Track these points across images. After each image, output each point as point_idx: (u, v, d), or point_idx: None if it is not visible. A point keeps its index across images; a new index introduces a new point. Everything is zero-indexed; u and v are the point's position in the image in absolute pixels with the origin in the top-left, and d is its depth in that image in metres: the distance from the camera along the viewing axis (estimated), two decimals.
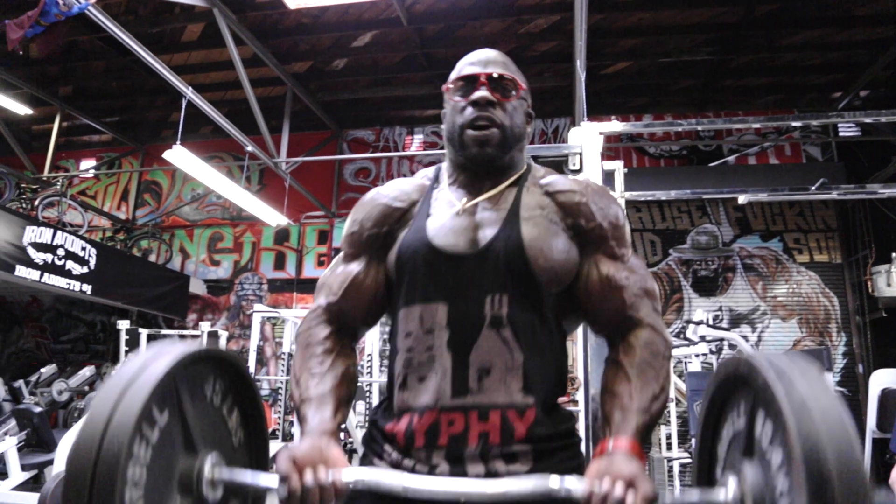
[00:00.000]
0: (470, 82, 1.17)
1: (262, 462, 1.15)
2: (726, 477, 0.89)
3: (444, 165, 1.28)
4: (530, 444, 1.06)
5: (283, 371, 8.34)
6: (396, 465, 1.10)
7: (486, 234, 1.13)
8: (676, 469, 6.74)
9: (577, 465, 1.12)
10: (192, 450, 0.96)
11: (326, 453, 0.99)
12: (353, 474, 0.96)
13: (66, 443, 4.10)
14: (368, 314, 1.22)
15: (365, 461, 1.17)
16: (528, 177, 1.23)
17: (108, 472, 0.79)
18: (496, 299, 1.08)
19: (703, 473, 1.02)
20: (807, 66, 7.85)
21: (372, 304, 1.20)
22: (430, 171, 1.30)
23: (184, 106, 5.99)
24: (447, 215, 1.16)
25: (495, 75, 1.17)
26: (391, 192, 1.24)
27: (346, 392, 1.14)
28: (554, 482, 0.90)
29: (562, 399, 1.17)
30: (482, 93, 1.15)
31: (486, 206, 1.17)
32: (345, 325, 1.21)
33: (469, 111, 1.16)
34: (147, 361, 0.90)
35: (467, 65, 1.20)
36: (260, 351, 8.14)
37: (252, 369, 6.41)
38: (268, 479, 0.97)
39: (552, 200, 1.18)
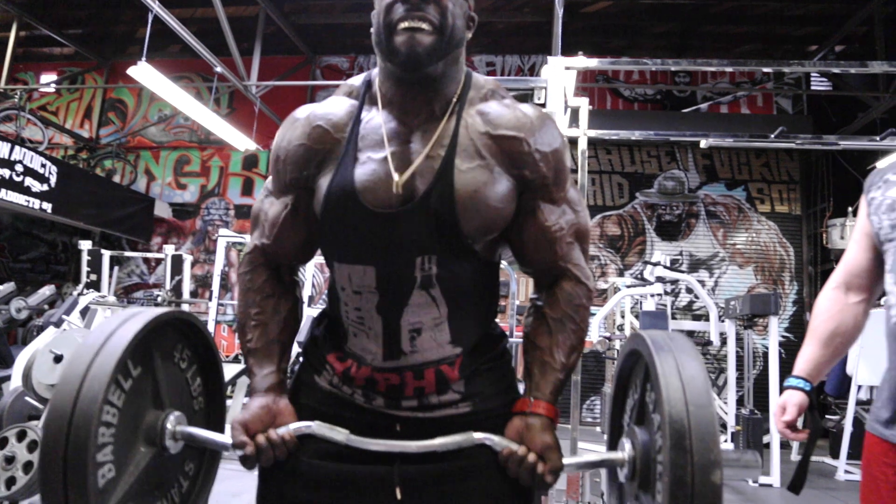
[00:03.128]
0: None
1: (219, 424, 1.22)
2: (623, 442, 1.03)
3: (375, 73, 1.14)
4: (462, 378, 1.11)
5: None
6: (336, 388, 1.13)
7: (418, 187, 1.03)
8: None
9: (506, 387, 1.17)
10: (159, 405, 1.05)
11: (274, 410, 1.08)
12: (300, 428, 1.06)
13: (23, 358, 4.12)
14: (302, 251, 1.19)
15: (304, 373, 1.19)
16: (467, 96, 1.10)
17: (88, 406, 0.88)
18: (426, 260, 1.03)
19: (613, 440, 1.16)
20: (785, 16, 7.83)
21: (304, 244, 1.17)
22: (358, 81, 1.16)
23: (150, 20, 5.76)
24: (376, 158, 1.05)
25: None
26: (314, 130, 1.10)
27: (289, 335, 1.18)
28: (479, 438, 1.05)
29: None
30: None
31: (420, 145, 1.06)
32: (281, 264, 1.21)
33: (398, 9, 1.01)
34: (126, 318, 0.99)
35: None
36: (225, 276, 8.16)
37: (216, 294, 6.44)
38: (225, 439, 1.06)
39: (496, 145, 1.07)
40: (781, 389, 1.53)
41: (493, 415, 1.11)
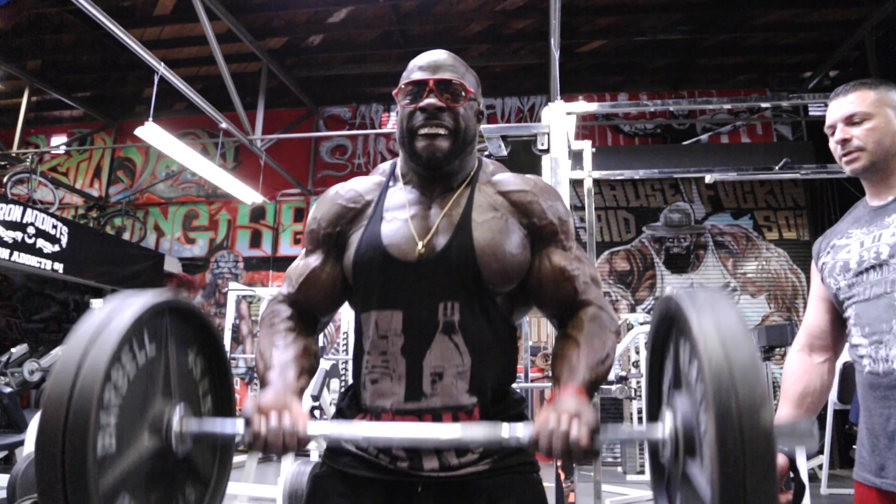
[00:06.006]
0: (419, 87, 1.18)
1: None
2: (664, 412, 0.94)
3: (399, 161, 1.29)
4: None
5: None
6: (362, 450, 1.16)
7: (439, 240, 1.15)
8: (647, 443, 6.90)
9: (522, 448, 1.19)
10: (168, 396, 1.01)
11: (290, 405, 1.03)
12: (315, 428, 1.01)
13: (37, 423, 4.10)
14: (326, 305, 1.26)
15: (333, 443, 1.23)
16: (478, 175, 1.25)
17: (100, 355, 0.85)
18: (448, 306, 1.12)
19: (653, 412, 1.08)
20: (779, 45, 7.94)
21: (329, 296, 1.24)
22: (387, 166, 1.32)
23: (156, 82, 5.90)
24: (400, 219, 1.19)
25: (444, 81, 1.17)
26: (347, 192, 1.27)
27: (308, 363, 1.18)
28: (504, 430, 0.96)
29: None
30: (430, 99, 1.16)
31: (439, 209, 1.20)
32: (305, 313, 1.26)
33: (418, 117, 1.17)
34: (150, 292, 0.97)
35: (416, 69, 1.20)
36: (236, 329, 8.16)
37: (227, 347, 6.43)
38: (233, 425, 1.01)
39: (505, 199, 1.21)
40: None
41: (513, 471, 1.15)
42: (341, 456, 1.18)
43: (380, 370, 1.14)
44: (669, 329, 0.99)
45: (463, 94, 1.19)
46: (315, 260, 1.24)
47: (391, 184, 1.27)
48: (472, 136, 1.23)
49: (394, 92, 1.22)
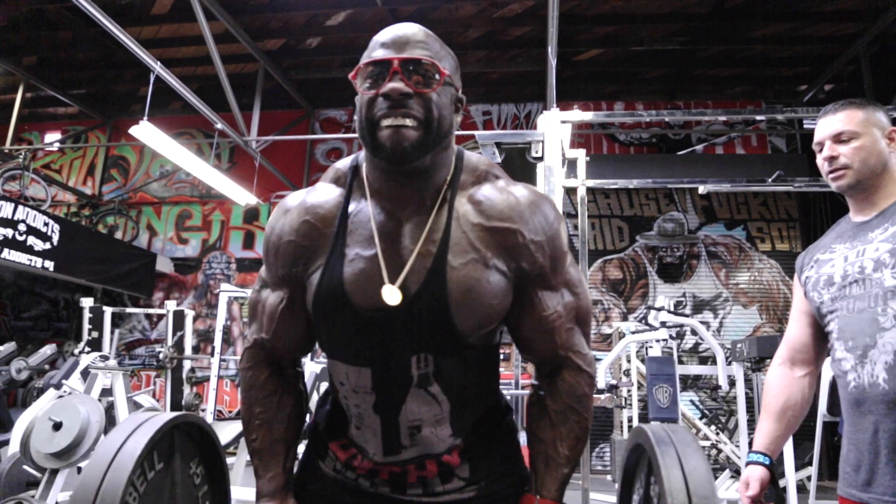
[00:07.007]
0: (381, 69, 0.97)
1: None
2: None
3: (363, 158, 1.09)
4: (466, 461, 1.10)
5: None
6: (339, 474, 1.13)
7: (409, 286, 0.98)
8: None
9: (512, 466, 1.16)
10: None
11: None
12: None
13: (23, 422, 4.06)
14: (302, 344, 1.15)
15: (308, 461, 1.19)
16: (458, 182, 1.05)
17: (117, 480, 0.91)
18: (422, 359, 1.00)
19: None
20: (774, 58, 8.00)
21: (304, 335, 1.13)
22: (345, 167, 1.11)
23: (152, 81, 5.88)
24: (365, 256, 1.00)
25: (412, 60, 0.96)
26: (301, 225, 1.06)
27: (294, 432, 1.16)
28: None
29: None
30: (395, 84, 0.94)
31: (411, 242, 1.01)
32: (282, 357, 1.16)
33: (381, 104, 0.95)
34: (157, 414, 1.02)
35: (378, 46, 0.99)
36: (227, 331, 8.11)
37: (218, 349, 6.39)
38: None
39: (489, 237, 1.01)
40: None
41: (500, 497, 1.12)
42: (319, 478, 1.15)
43: (357, 419, 1.07)
44: (640, 457, 1.03)
45: (436, 76, 0.97)
46: (280, 301, 1.10)
47: (353, 199, 1.06)
48: (448, 127, 1.01)
49: (350, 75, 1.01)
